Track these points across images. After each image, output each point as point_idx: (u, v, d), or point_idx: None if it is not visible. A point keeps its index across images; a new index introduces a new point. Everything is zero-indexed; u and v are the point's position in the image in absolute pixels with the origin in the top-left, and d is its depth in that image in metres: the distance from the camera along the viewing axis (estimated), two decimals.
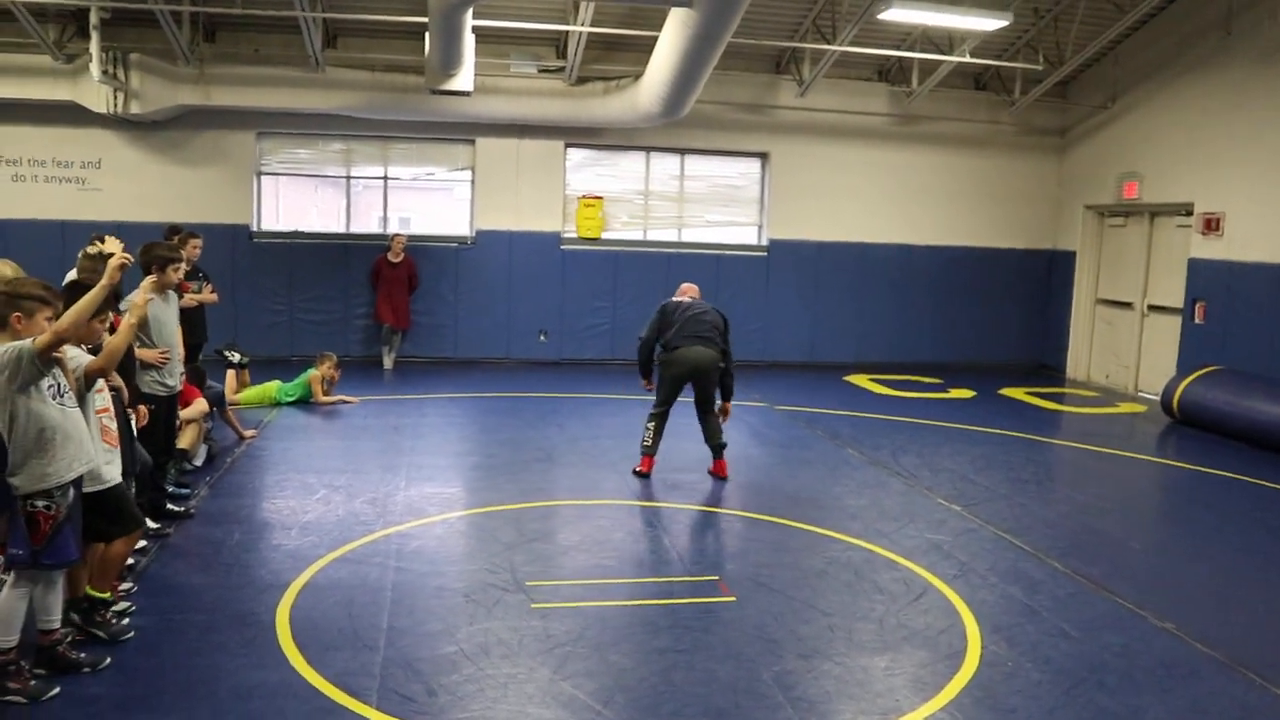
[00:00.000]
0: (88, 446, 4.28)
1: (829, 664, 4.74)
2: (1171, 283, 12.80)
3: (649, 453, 8.02)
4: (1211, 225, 11.98)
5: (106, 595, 4.73)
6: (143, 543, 5.77)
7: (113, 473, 4.60)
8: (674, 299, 8.21)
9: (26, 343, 3.93)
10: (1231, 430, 10.36)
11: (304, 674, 4.44)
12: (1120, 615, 5.49)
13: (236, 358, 10.32)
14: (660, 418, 7.99)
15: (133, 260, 4.44)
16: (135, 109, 11.79)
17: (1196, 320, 12.19)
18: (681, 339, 7.81)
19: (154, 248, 6.20)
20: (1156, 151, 12.92)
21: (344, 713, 4.12)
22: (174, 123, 12.58)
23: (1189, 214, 12.44)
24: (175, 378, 6.46)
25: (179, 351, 6.54)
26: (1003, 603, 5.61)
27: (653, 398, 8.05)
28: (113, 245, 5.37)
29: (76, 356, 4.39)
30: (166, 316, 6.37)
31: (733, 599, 5.51)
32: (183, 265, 6.49)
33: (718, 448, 8.06)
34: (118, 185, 12.56)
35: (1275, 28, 11.21)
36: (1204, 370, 11.17)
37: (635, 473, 8.02)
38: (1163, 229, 13.21)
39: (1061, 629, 5.25)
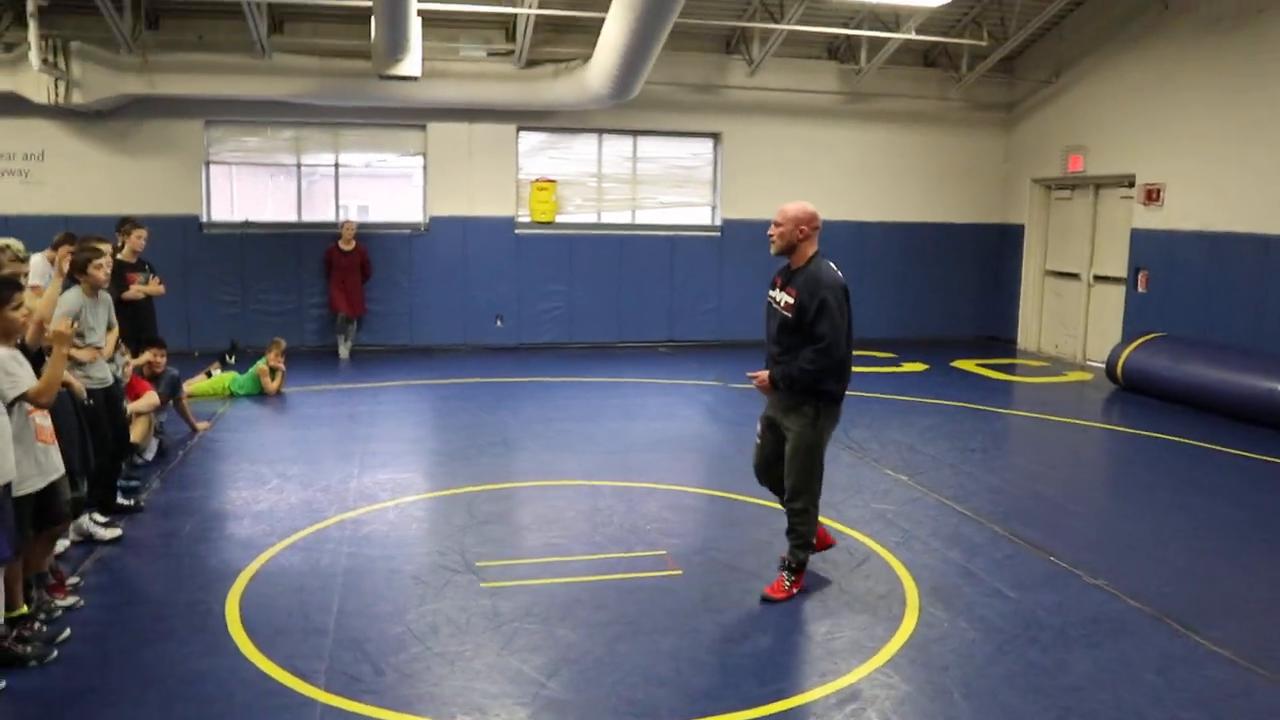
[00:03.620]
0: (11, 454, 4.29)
1: (771, 631, 4.86)
2: (1116, 253, 13.05)
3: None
4: (1152, 196, 12.22)
5: (25, 610, 4.55)
6: (64, 542, 5.62)
7: (52, 470, 4.61)
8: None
9: None
10: (1172, 394, 10.62)
11: (253, 659, 4.49)
12: (1055, 574, 5.66)
13: (233, 360, 11.41)
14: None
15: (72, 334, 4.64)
16: (77, 99, 11.61)
17: (1139, 289, 12.45)
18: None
19: (73, 253, 6.23)
20: (1100, 124, 13.13)
21: (291, 695, 4.18)
22: (118, 112, 12.42)
23: (1131, 185, 12.67)
24: (104, 370, 6.35)
25: (107, 349, 6.48)
26: (942, 566, 5.76)
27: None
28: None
29: (17, 377, 4.35)
30: (95, 318, 6.33)
31: (679, 572, 5.62)
32: (105, 260, 6.39)
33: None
34: (63, 177, 12.38)
35: (1211, 1, 11.42)
36: (1146, 337, 11.43)
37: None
38: (1107, 200, 13.44)
39: (997, 589, 5.42)
